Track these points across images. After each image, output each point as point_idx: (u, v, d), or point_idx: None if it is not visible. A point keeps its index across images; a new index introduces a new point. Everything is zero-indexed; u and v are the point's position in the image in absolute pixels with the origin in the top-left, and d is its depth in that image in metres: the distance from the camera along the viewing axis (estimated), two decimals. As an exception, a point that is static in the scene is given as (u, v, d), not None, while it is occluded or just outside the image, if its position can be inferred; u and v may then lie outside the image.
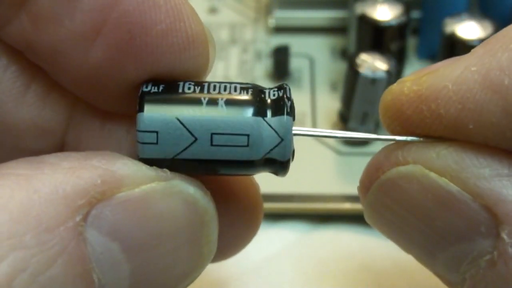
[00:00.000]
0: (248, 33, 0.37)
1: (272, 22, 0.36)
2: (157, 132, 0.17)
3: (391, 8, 0.32)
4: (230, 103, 0.17)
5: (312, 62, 0.35)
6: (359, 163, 0.18)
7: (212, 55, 0.19)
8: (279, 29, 0.36)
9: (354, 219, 0.29)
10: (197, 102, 0.17)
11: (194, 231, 0.18)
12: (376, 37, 0.32)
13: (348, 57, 0.31)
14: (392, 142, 0.18)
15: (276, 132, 0.17)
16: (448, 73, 0.17)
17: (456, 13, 0.31)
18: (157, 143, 0.17)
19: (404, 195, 0.17)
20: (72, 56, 0.18)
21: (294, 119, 0.17)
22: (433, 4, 0.33)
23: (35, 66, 0.19)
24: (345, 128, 0.31)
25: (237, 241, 0.22)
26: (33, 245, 0.15)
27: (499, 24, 0.30)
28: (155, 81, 0.18)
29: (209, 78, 0.19)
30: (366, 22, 0.32)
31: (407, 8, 0.32)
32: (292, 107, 0.17)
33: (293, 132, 0.17)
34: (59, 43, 0.17)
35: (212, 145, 0.17)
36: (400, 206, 0.18)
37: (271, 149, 0.17)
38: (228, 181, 0.21)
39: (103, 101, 0.19)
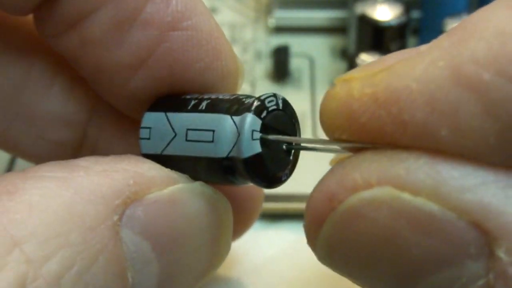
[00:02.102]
0: (248, 33, 0.37)
1: (272, 22, 0.36)
2: (150, 128, 0.18)
3: (391, 8, 0.32)
4: (209, 103, 0.18)
5: (312, 62, 0.35)
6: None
7: (240, 85, 0.20)
8: (279, 29, 0.36)
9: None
10: (186, 103, 0.18)
11: (214, 230, 0.18)
12: (376, 37, 0.32)
13: (348, 57, 0.31)
14: (339, 159, 0.15)
15: (237, 127, 0.17)
16: (409, 70, 0.14)
17: (456, 13, 0.31)
18: (149, 138, 0.18)
19: (370, 225, 0.15)
20: (114, 80, 0.19)
21: (267, 123, 0.17)
22: (433, 4, 0.33)
23: (60, 62, 0.20)
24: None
25: (236, 229, 0.22)
26: (79, 243, 0.15)
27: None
28: None
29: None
30: (366, 22, 0.32)
31: (407, 8, 0.32)
32: (262, 109, 0.17)
33: (263, 136, 0.17)
34: (104, 66, 0.18)
35: (186, 140, 0.18)
36: (365, 239, 0.15)
37: (233, 146, 0.17)
38: None
39: (129, 110, 0.20)
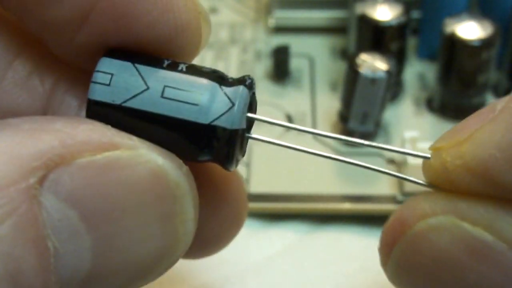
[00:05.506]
0: (248, 33, 0.37)
1: (272, 22, 0.36)
2: (112, 74, 0.17)
3: (391, 8, 0.32)
4: (190, 68, 0.17)
5: (312, 62, 0.35)
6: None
7: (206, 35, 0.18)
8: (279, 29, 0.36)
9: (354, 219, 0.29)
10: (159, 60, 0.17)
11: (165, 206, 0.17)
12: (376, 37, 0.32)
13: (348, 57, 0.31)
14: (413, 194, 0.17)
15: (229, 98, 0.16)
16: (488, 139, 0.16)
17: (456, 13, 0.31)
18: (109, 85, 0.17)
19: (435, 249, 0.17)
20: (58, 37, 0.18)
21: (254, 112, 0.17)
22: (433, 4, 0.33)
23: (12, 53, 0.19)
24: (345, 128, 0.31)
25: (221, 235, 0.22)
26: None
27: (499, 24, 0.30)
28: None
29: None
30: (366, 22, 0.32)
31: (407, 8, 0.32)
32: (251, 87, 0.17)
33: (249, 116, 0.17)
34: (47, 23, 0.17)
35: (162, 97, 0.16)
36: (430, 261, 0.17)
37: (221, 115, 0.16)
38: (211, 171, 0.20)
39: (85, 65, 0.19)
